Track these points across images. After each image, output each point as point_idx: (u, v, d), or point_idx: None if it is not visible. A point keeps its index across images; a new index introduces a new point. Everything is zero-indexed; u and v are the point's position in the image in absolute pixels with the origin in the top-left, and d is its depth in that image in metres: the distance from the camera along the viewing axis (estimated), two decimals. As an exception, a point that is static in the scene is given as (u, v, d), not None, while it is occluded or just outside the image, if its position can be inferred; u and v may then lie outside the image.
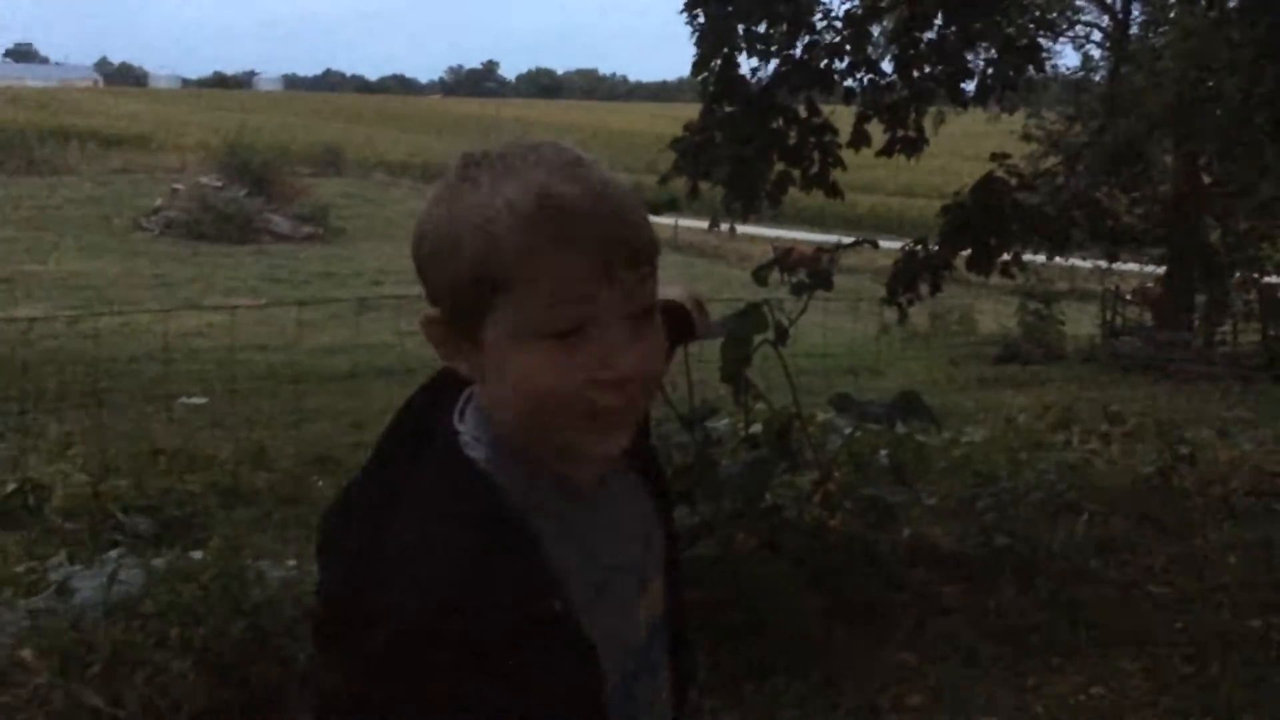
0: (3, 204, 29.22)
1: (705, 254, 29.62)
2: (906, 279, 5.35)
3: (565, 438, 0.99)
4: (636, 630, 1.13)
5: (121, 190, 32.12)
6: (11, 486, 4.47)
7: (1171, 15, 15.81)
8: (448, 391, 1.07)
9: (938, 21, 5.30)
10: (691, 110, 5.68)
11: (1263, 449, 7.69)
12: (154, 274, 20.50)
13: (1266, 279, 17.16)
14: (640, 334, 0.98)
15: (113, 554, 3.11)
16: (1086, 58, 20.36)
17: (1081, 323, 18.48)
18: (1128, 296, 19.03)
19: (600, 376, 0.96)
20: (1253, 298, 16.88)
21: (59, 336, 11.87)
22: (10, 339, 11.70)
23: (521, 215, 0.94)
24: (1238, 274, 16.84)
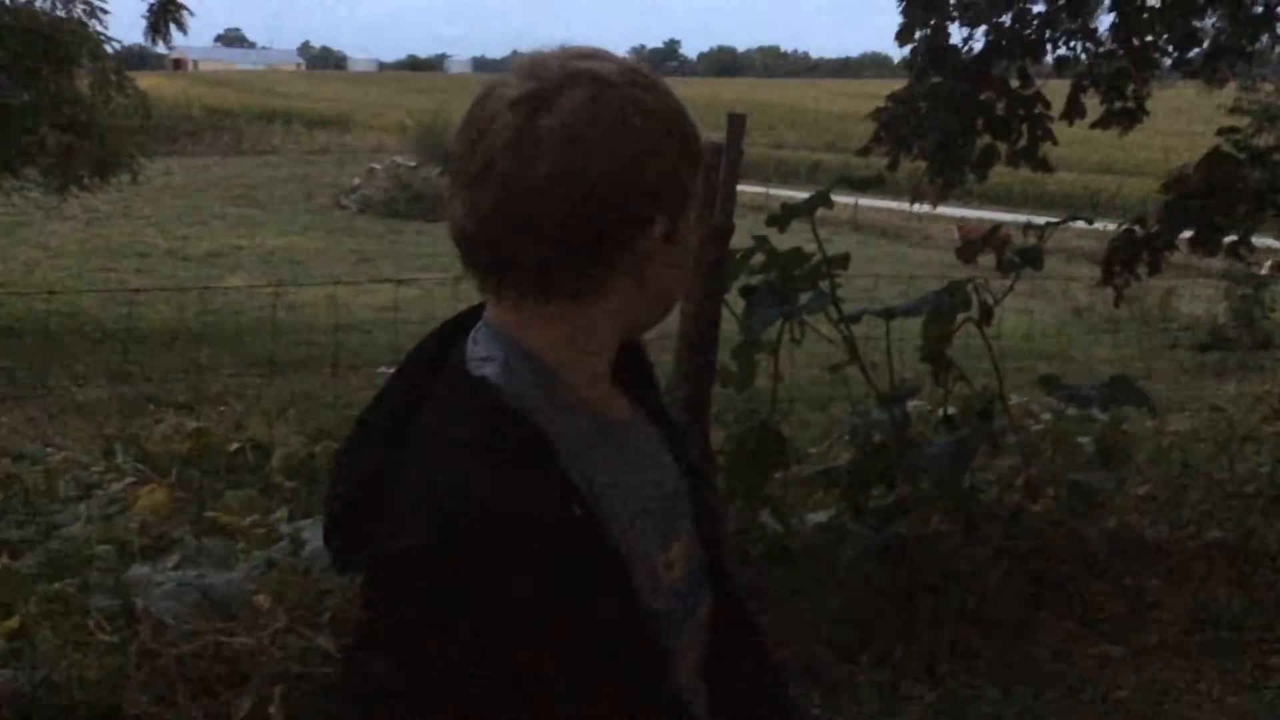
0: (213, 182, 31.08)
1: (886, 234, 29.04)
2: (1125, 259, 5.10)
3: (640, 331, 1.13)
4: (668, 576, 1.11)
5: (322, 169, 33.69)
6: (235, 446, 4.74)
7: None
8: (457, 329, 1.11)
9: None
10: (872, 86, 5.57)
11: None
12: (352, 249, 21.44)
13: None
14: None
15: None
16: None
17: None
18: None
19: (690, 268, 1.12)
20: None
21: (265, 307, 12.56)
22: (222, 308, 12.48)
23: (656, 140, 1.01)
24: None
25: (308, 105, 51.11)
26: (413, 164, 29.80)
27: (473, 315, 1.12)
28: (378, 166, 29.79)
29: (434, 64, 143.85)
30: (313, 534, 3.07)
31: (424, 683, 0.98)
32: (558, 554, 0.96)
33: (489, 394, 1.03)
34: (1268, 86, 19.00)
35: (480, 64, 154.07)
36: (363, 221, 26.33)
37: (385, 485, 1.00)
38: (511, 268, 1.02)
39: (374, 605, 1.03)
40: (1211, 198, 4.86)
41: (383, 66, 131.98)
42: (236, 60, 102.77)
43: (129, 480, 3.81)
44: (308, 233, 23.59)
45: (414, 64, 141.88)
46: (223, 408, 7.17)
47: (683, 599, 1.14)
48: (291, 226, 24.40)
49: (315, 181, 31.59)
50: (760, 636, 1.33)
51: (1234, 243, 5.17)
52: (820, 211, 3.77)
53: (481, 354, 1.06)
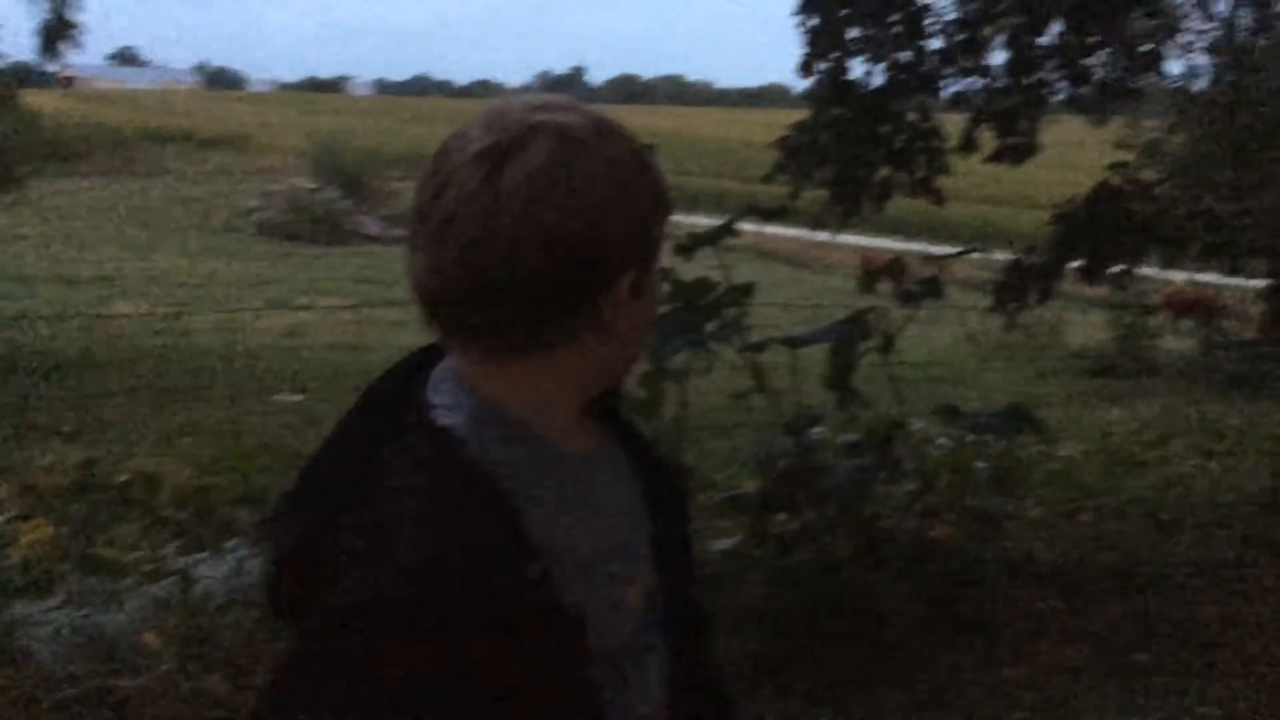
0: (104, 203, 30.18)
1: (791, 261, 29.47)
2: (1016, 287, 5.25)
3: (619, 379, 1.13)
4: (626, 615, 1.10)
5: (218, 191, 32.96)
6: (123, 478, 4.58)
7: (1280, 21, 15.33)
8: (418, 370, 1.08)
9: (1055, 26, 5.20)
10: (775, 116, 5.69)
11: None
12: (249, 273, 20.97)
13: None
14: None
15: (230, 544, 3.18)
16: (1191, 65, 19.82)
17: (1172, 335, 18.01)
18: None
19: (656, 313, 1.11)
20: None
21: (158, 333, 12.21)
22: (111, 334, 12.09)
23: (624, 192, 1.00)
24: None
25: (204, 125, 49.99)
26: (312, 186, 29.35)
27: (429, 356, 1.09)
28: (276, 189, 29.26)
29: (335, 85, 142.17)
30: (205, 569, 2.97)
31: None
32: (510, 615, 0.94)
33: (453, 447, 1.00)
34: (1153, 122, 19.81)
35: (383, 86, 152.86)
36: (260, 244, 25.81)
37: (336, 535, 0.97)
38: (474, 323, 1.00)
39: (311, 658, 0.98)
40: (1098, 229, 5.03)
41: (282, 87, 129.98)
42: (130, 79, 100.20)
43: (10, 515, 3.65)
44: (202, 256, 23.03)
45: (315, 85, 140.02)
46: (111, 438, 6.92)
47: (644, 631, 1.14)
48: (186, 249, 23.80)
49: (211, 203, 30.89)
50: (715, 668, 1.33)
51: (1118, 272, 5.36)
52: (726, 239, 3.80)
53: (446, 403, 1.04)
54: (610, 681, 1.08)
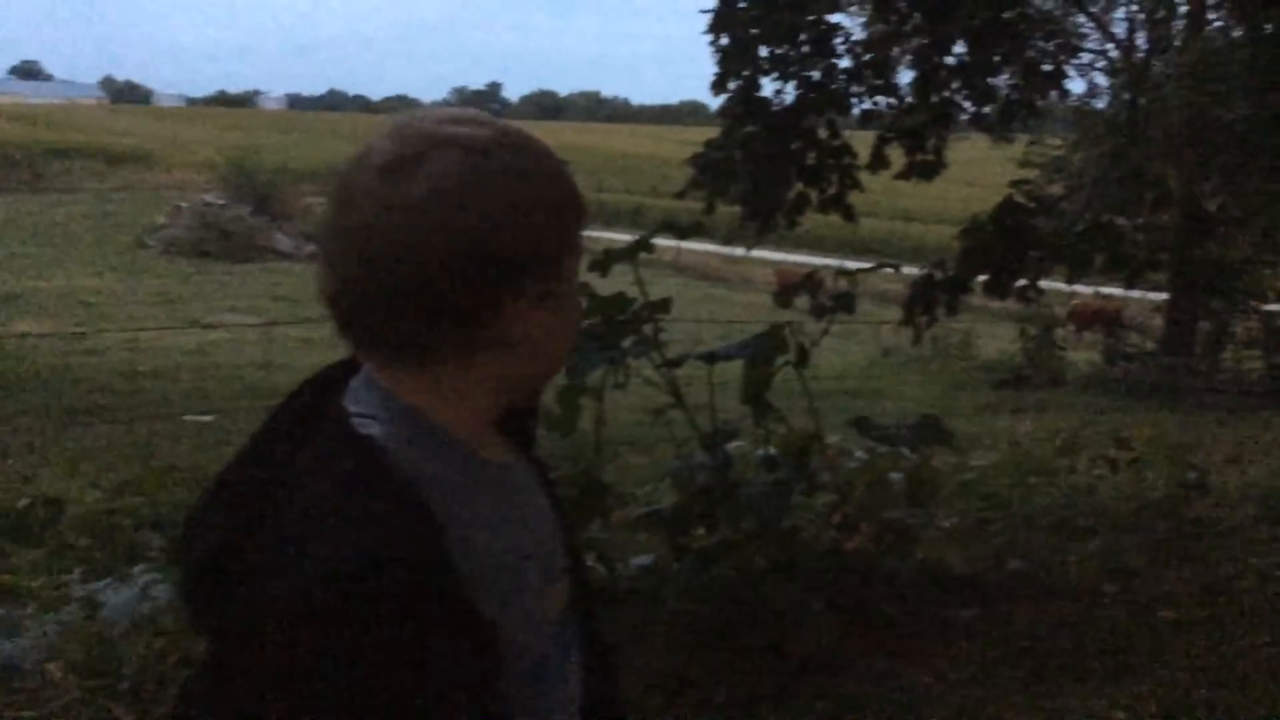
0: (7, 221, 29.27)
1: (707, 277, 29.67)
2: (924, 301, 5.37)
3: (541, 386, 1.12)
4: (542, 621, 1.12)
5: (125, 208, 32.20)
6: (25, 502, 4.44)
7: (1176, 43, 15.91)
8: (334, 382, 1.09)
9: (959, 47, 5.34)
10: (691, 133, 5.75)
11: (1272, 476, 7.69)
12: (157, 291, 20.51)
13: (1268, 306, 17.21)
14: None
15: (138, 569, 3.10)
16: (1091, 84, 20.47)
17: (1079, 347, 18.54)
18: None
19: (577, 329, 1.09)
20: (1255, 324, 16.92)
21: (63, 353, 11.87)
22: (15, 355, 11.72)
23: (532, 198, 1.00)
24: (1239, 301, 16.91)
25: (111, 141, 48.81)
26: (221, 202, 28.80)
27: (346, 368, 1.09)
28: (185, 205, 28.66)
29: (246, 100, 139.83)
30: (110, 596, 2.88)
31: None
32: (427, 626, 0.93)
33: (373, 455, 1.00)
34: (1056, 140, 20.40)
35: (295, 101, 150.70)
36: (168, 262, 25.23)
37: (252, 544, 0.96)
38: (385, 333, 1.01)
39: (226, 666, 0.97)
40: (1003, 244, 5.16)
41: (191, 102, 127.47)
42: (32, 93, 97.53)
43: (-97, 543, 3.52)
44: (109, 274, 22.45)
45: (225, 100, 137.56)
46: (11, 461, 6.70)
47: (559, 639, 1.15)
48: (92, 267, 23.17)
49: (118, 220, 30.14)
50: (614, 678, 1.34)
51: (1024, 286, 5.50)
52: (643, 255, 3.82)
53: (364, 412, 1.04)
54: (531, 695, 1.09)
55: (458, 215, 0.97)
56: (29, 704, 2.55)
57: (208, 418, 8.67)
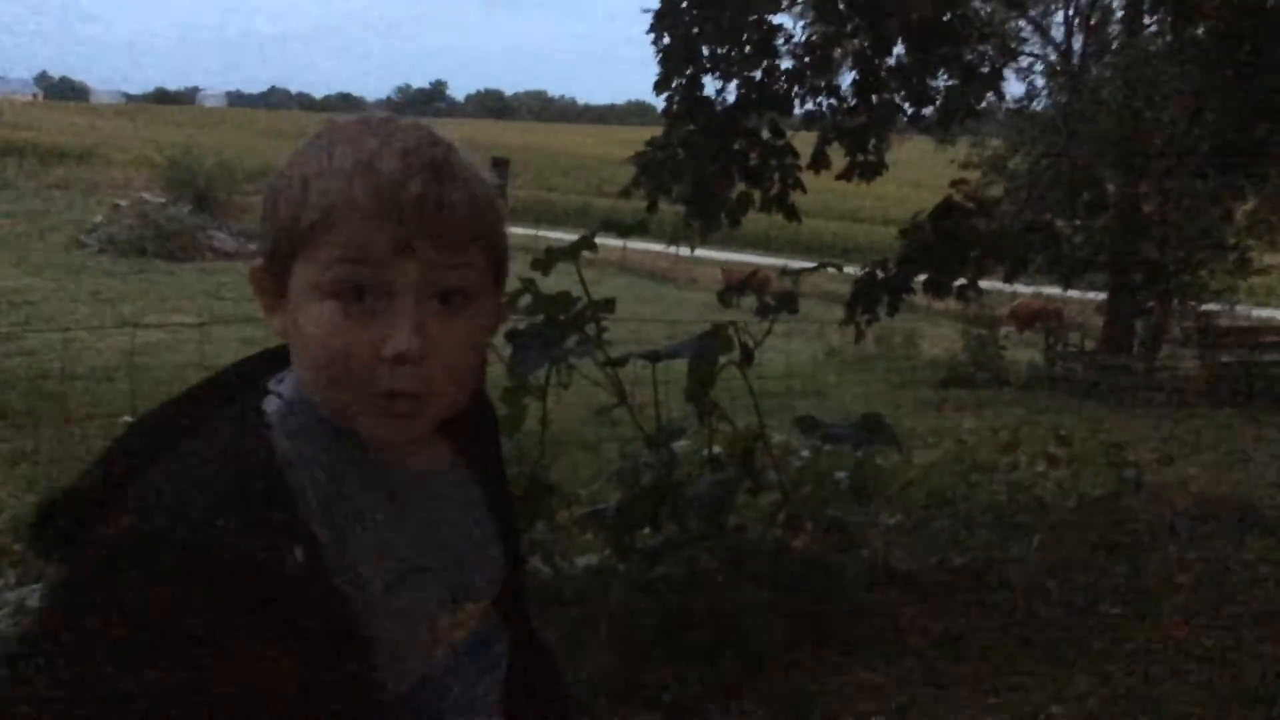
0: (-64, 218, 28.56)
1: (654, 276, 29.69)
2: (866, 300, 5.41)
3: (351, 410, 0.98)
4: (427, 645, 1.07)
5: (61, 206, 31.52)
6: (-45, 506, 4.33)
7: (1114, 47, 16.19)
8: (280, 356, 1.07)
9: (898, 49, 5.39)
10: (637, 133, 5.76)
11: (1205, 472, 7.86)
12: (93, 291, 20.09)
13: (1203, 306, 17.60)
14: (442, 316, 0.97)
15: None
16: (1030, 87, 20.79)
17: (1020, 347, 18.79)
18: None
19: (384, 351, 0.95)
20: (1190, 324, 17.28)
21: (-3, 354, 11.60)
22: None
23: (336, 172, 0.95)
24: (1175, 301, 17.27)
25: (45, 137, 47.80)
26: (161, 201, 28.33)
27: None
28: (123, 203, 28.14)
29: (185, 97, 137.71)
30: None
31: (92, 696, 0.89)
32: (271, 594, 0.91)
33: (254, 425, 0.98)
34: (995, 141, 20.68)
35: (236, 98, 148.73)
36: (105, 261, 24.72)
37: (127, 482, 0.94)
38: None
39: (74, 587, 0.94)
40: (944, 244, 5.22)
41: (129, 98, 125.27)
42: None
43: None
44: (42, 273, 21.95)
45: (162, 96, 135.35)
46: (-58, 465, 6.55)
47: (472, 659, 1.12)
48: (26, 266, 22.66)
49: (53, 218, 29.48)
50: (566, 700, 1.31)
51: (963, 286, 5.57)
52: (589, 254, 3.81)
53: (278, 388, 1.03)
54: (425, 700, 1.06)
55: (273, 178, 1.01)
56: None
57: (145, 420, 8.53)
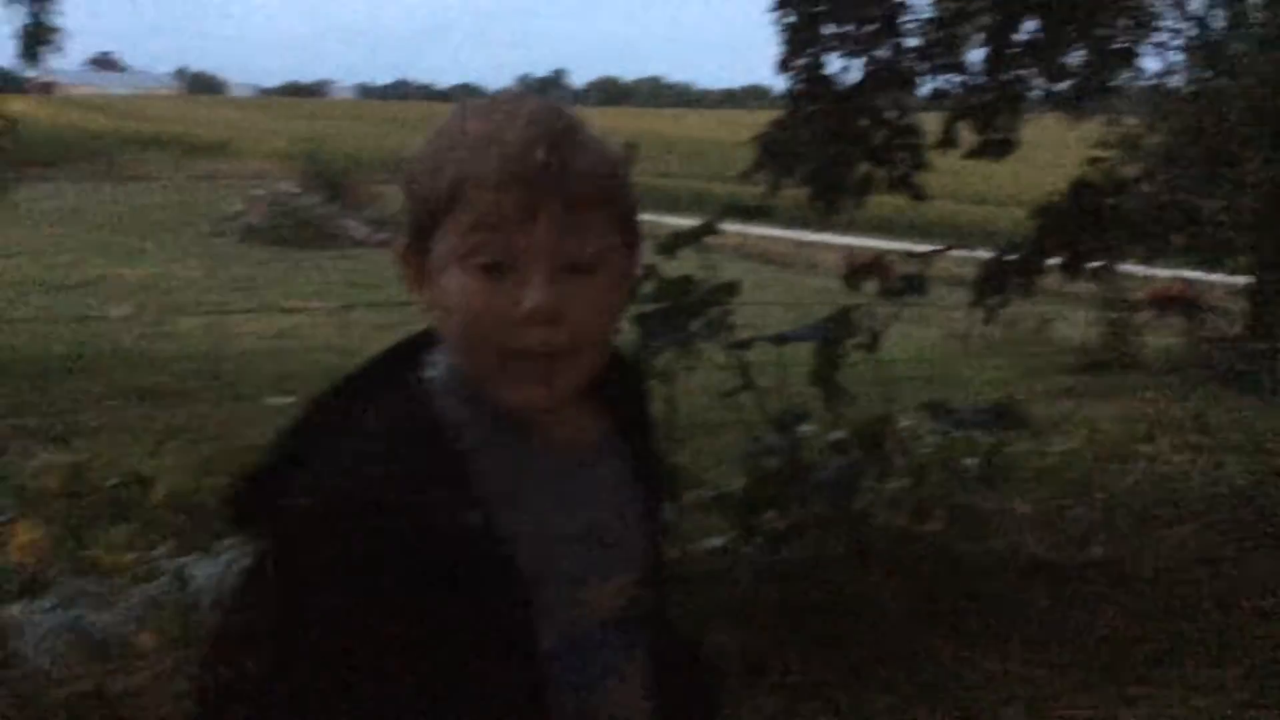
0: (86, 209, 30.02)
1: (773, 262, 29.48)
2: (997, 282, 5.29)
3: (492, 375, 1.03)
4: (574, 613, 1.10)
5: (202, 196, 32.81)
6: (114, 481, 4.58)
7: (1255, 19, 15.44)
8: (433, 338, 1.14)
9: (1030, 24, 5.24)
10: (755, 117, 5.69)
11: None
12: (235, 277, 20.89)
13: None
14: (575, 278, 1.01)
15: (223, 545, 3.19)
16: (1167, 62, 19.93)
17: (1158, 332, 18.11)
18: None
19: (515, 312, 0.99)
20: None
21: (146, 338, 12.17)
22: (98, 339, 12.05)
23: (468, 145, 1.01)
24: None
25: (185, 130, 49.73)
26: (295, 191, 29.25)
27: None
28: (259, 193, 29.14)
29: (316, 90, 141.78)
30: (197, 570, 2.97)
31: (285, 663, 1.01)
32: (449, 557, 0.99)
33: (418, 396, 1.06)
34: (1131, 119, 19.92)
35: (365, 90, 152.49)
36: (244, 249, 25.68)
37: (304, 458, 1.03)
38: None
39: (261, 568, 1.06)
40: (1078, 224, 5.07)
41: (263, 91, 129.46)
42: (110, 84, 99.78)
43: (1, 519, 3.65)
44: (186, 260, 22.90)
45: (296, 89, 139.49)
46: (101, 441, 6.90)
47: (620, 635, 1.14)
48: (170, 254, 23.68)
49: (194, 208, 30.72)
50: (709, 684, 1.34)
51: (1098, 267, 5.40)
52: (708, 239, 3.82)
53: (431, 362, 1.10)
54: (571, 668, 1.09)
55: (410, 157, 1.07)
56: (122, 672, 2.64)
57: (286, 400, 8.82)
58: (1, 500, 4.11)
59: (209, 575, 2.85)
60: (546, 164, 0.99)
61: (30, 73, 14.02)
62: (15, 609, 2.80)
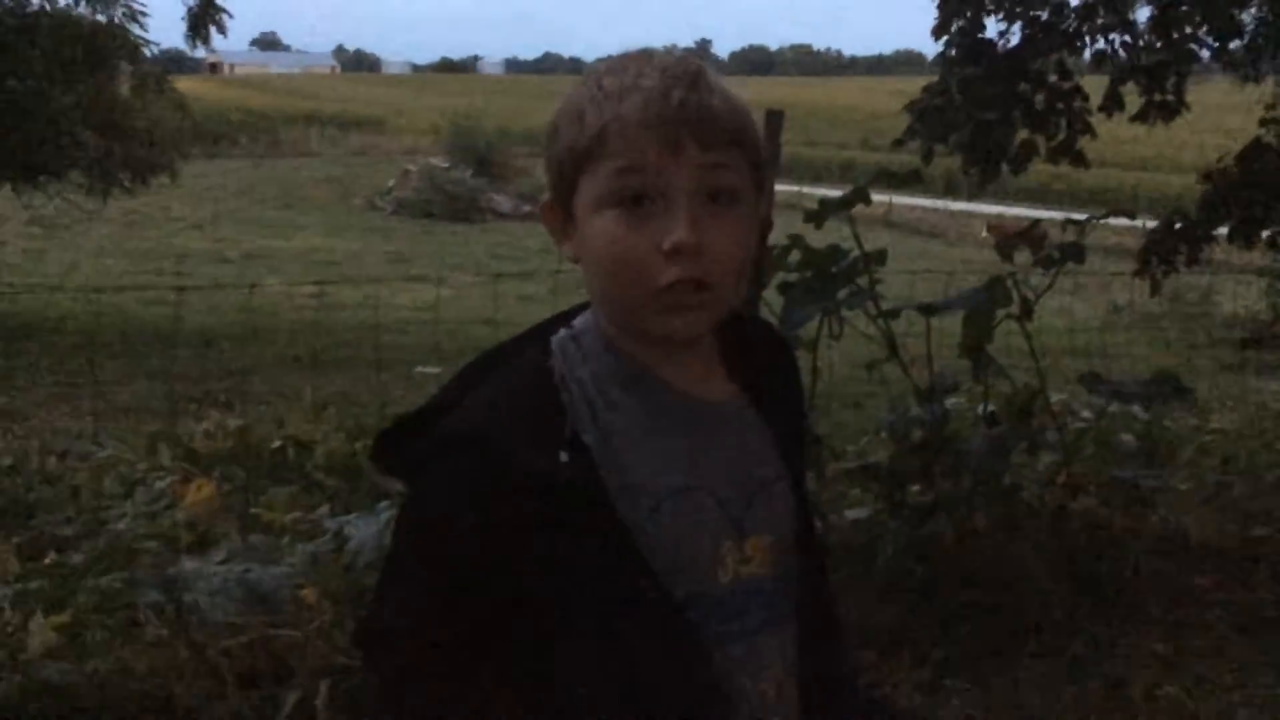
0: (250, 184, 31.34)
1: (920, 232, 28.82)
2: (1164, 250, 5.06)
3: (638, 311, 1.07)
4: (714, 571, 1.11)
5: (358, 171, 33.88)
6: (276, 444, 4.78)
7: None
8: (578, 312, 1.22)
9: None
10: (906, 84, 5.54)
11: None
12: (388, 250, 21.55)
13: None
14: (713, 213, 1.05)
15: (380, 505, 3.31)
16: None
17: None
18: None
19: (664, 244, 1.03)
20: None
21: (305, 308, 12.66)
22: (261, 308, 12.61)
23: (607, 94, 1.06)
24: None
25: (343, 108, 51.41)
26: (445, 166, 29.93)
27: None
28: (412, 168, 29.93)
29: (466, 66, 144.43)
30: (356, 529, 3.10)
31: (425, 608, 1.11)
32: (551, 497, 1.05)
33: (539, 354, 1.13)
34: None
35: (513, 65, 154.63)
36: (397, 223, 26.45)
37: (439, 410, 1.13)
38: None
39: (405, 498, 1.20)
40: (1251, 189, 4.81)
41: (416, 68, 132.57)
42: (272, 63, 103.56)
43: (173, 478, 3.86)
44: (344, 234, 23.73)
45: (447, 66, 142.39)
46: (264, 406, 7.24)
47: (762, 595, 1.15)
48: (328, 227, 24.56)
49: (351, 183, 31.78)
50: (842, 652, 1.33)
51: (1273, 235, 5.12)
52: (855, 210, 3.76)
53: (571, 323, 1.18)
54: (707, 623, 1.10)
55: (552, 115, 1.13)
56: (287, 624, 2.78)
57: (437, 369, 9.08)
58: (174, 461, 4.33)
59: (366, 534, 2.97)
60: (683, 104, 1.04)
61: (198, 53, 14.65)
62: (188, 563, 2.97)
